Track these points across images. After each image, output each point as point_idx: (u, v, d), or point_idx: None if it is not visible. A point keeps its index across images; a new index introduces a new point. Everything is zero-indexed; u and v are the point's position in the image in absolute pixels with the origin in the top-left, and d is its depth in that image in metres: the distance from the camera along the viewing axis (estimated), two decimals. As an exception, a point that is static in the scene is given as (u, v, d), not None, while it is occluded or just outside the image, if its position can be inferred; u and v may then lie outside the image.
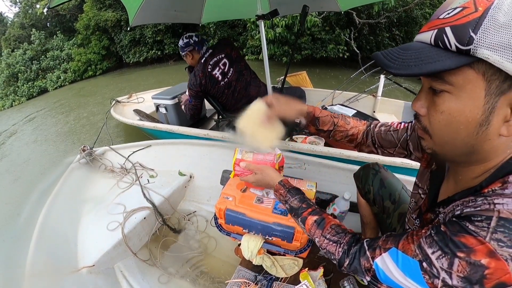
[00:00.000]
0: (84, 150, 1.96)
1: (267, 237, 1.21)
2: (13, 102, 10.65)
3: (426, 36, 0.47)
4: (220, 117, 3.02)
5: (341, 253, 0.69)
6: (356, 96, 3.13)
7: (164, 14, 2.37)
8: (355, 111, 2.49)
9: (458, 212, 0.50)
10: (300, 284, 1.11)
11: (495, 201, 0.45)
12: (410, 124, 0.86)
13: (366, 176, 1.14)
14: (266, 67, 1.97)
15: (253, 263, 1.29)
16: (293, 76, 3.80)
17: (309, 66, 7.67)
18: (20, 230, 1.61)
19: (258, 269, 1.32)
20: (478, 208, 0.46)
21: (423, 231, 0.53)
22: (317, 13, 6.47)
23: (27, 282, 1.18)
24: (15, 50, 12.26)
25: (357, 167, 1.40)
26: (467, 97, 0.45)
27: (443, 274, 0.46)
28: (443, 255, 0.46)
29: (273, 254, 1.32)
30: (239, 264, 1.38)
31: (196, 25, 10.76)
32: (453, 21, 0.42)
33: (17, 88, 11.19)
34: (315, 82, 3.66)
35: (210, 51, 2.16)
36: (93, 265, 1.35)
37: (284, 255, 1.31)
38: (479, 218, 0.44)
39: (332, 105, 2.77)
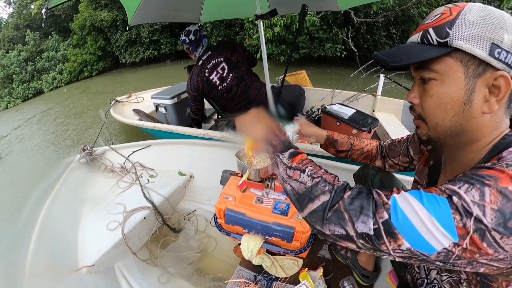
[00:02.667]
0: (84, 150, 1.96)
1: (267, 237, 1.21)
2: (8, 104, 10.63)
3: (415, 37, 0.59)
4: (220, 116, 3.02)
5: (341, 182, 0.59)
6: (356, 95, 3.13)
7: (163, 14, 2.37)
8: (355, 111, 2.49)
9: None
10: (300, 284, 1.11)
11: (494, 160, 0.51)
12: (411, 134, 0.98)
13: (366, 176, 1.15)
14: (265, 66, 1.97)
15: (253, 263, 1.29)
16: (293, 75, 3.80)
17: (307, 65, 7.67)
18: (20, 229, 1.60)
19: (258, 269, 1.32)
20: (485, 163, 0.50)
21: (441, 183, 0.52)
22: (315, 12, 6.47)
23: (27, 282, 1.18)
24: (9, 51, 12.26)
25: (356, 167, 1.40)
26: (451, 81, 0.54)
27: (475, 210, 0.42)
28: (471, 186, 0.44)
29: (273, 254, 1.33)
30: (239, 264, 1.39)
31: (193, 24, 10.81)
32: (434, 23, 0.55)
33: (12, 90, 11.17)
34: (313, 81, 3.65)
35: (209, 52, 2.14)
36: (93, 265, 1.35)
37: (284, 255, 1.31)
38: (490, 163, 0.49)
39: (332, 104, 2.77)
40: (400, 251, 0.48)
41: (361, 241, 0.50)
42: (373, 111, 3.14)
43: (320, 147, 1.18)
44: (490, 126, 0.56)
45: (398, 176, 1.19)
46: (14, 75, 11.37)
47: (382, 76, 3.01)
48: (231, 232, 1.32)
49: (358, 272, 1.27)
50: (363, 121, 2.31)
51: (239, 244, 1.29)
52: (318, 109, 2.88)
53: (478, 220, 0.42)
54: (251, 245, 1.23)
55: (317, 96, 3.26)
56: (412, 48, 0.57)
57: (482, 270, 0.46)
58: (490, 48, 0.50)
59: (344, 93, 3.22)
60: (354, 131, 2.28)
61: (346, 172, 1.63)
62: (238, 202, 1.24)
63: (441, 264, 0.47)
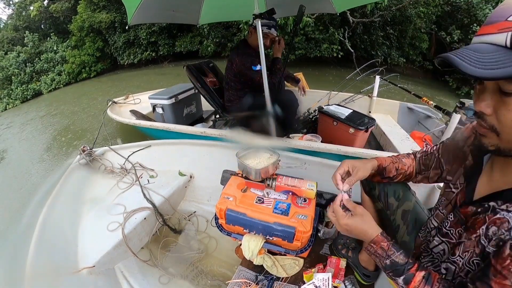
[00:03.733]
0: (84, 151, 1.95)
1: (267, 237, 1.22)
2: (7, 106, 10.49)
3: (498, 38, 0.47)
4: (218, 116, 3.03)
5: None
6: (352, 96, 3.15)
7: (162, 14, 2.37)
8: (351, 111, 2.51)
9: None
10: (308, 283, 1.10)
11: None
12: (440, 144, 0.94)
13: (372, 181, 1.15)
14: (263, 66, 1.98)
15: (254, 263, 1.30)
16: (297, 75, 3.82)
17: (303, 66, 7.71)
18: (20, 231, 1.60)
19: (259, 269, 1.33)
20: None
21: (508, 261, 0.52)
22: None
23: (27, 283, 1.17)
24: (8, 52, 12.13)
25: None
26: None
27: None
28: None
29: (273, 254, 1.33)
30: (239, 264, 1.39)
31: (191, 25, 10.72)
32: None
33: (11, 91, 11.04)
34: (309, 82, 3.67)
35: None
36: (94, 266, 1.34)
37: (285, 255, 1.32)
38: None
39: (328, 105, 2.79)
40: None
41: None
42: (369, 112, 3.17)
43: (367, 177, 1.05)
44: None
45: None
46: (13, 77, 11.26)
47: (377, 78, 3.04)
48: (231, 232, 1.32)
49: (359, 271, 1.28)
50: (360, 121, 2.34)
51: (241, 245, 1.30)
52: (315, 110, 2.90)
53: None
54: (252, 245, 1.24)
55: (313, 97, 3.28)
56: (501, 55, 0.46)
57: None
58: None
59: (340, 95, 3.24)
60: (351, 130, 2.31)
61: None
62: (239, 202, 1.25)
63: None
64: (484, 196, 0.65)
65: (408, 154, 1.07)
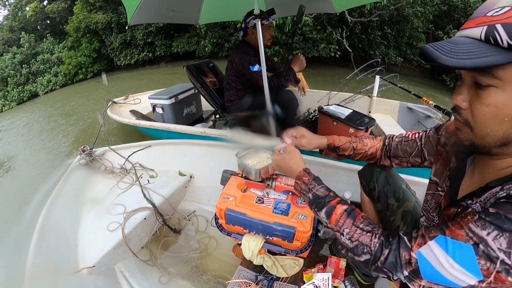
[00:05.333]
0: (84, 151, 1.95)
1: (267, 237, 1.22)
2: (3, 107, 10.48)
3: (475, 32, 0.49)
4: (218, 116, 3.03)
5: (377, 244, 0.64)
6: (352, 96, 3.15)
7: (162, 14, 2.37)
8: (351, 111, 2.51)
9: (504, 194, 0.51)
10: (307, 283, 1.10)
11: None
12: (423, 133, 0.92)
13: (371, 173, 1.15)
14: (263, 67, 1.98)
15: (254, 263, 1.30)
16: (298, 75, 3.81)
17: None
18: (20, 231, 1.60)
19: (259, 269, 1.33)
20: None
21: (470, 217, 0.52)
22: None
23: (27, 283, 1.17)
24: (4, 54, 12.12)
25: (357, 167, 1.42)
26: None
27: (501, 255, 0.44)
28: (501, 234, 0.45)
29: (273, 254, 1.34)
30: (239, 264, 1.39)
31: (188, 25, 10.69)
32: (504, 19, 0.45)
33: (6, 93, 11.05)
34: (308, 82, 3.67)
35: None
36: (94, 266, 1.34)
37: (285, 255, 1.32)
38: None
39: (328, 105, 2.79)
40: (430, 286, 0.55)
41: (399, 282, 0.62)
42: (369, 112, 3.18)
43: (320, 152, 1.15)
44: None
45: (403, 176, 1.21)
46: (9, 78, 11.24)
47: (377, 78, 3.04)
48: (231, 232, 1.32)
49: (359, 271, 1.28)
50: (360, 121, 2.34)
51: (239, 244, 1.30)
52: (315, 110, 2.90)
53: (503, 262, 0.45)
54: (252, 245, 1.24)
55: (313, 97, 3.28)
56: (474, 47, 0.48)
57: None
58: None
59: (340, 95, 3.24)
60: (351, 130, 2.31)
61: (346, 171, 1.64)
62: (239, 202, 1.25)
63: None
64: (463, 196, 0.66)
65: (377, 136, 1.08)
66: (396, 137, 1.02)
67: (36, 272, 1.23)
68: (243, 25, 2.32)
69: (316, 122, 2.79)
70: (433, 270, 0.52)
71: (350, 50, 7.21)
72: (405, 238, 0.60)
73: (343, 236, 0.71)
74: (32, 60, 11.75)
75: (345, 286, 1.20)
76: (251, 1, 1.84)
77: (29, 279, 1.19)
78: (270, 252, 1.33)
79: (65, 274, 1.28)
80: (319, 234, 1.47)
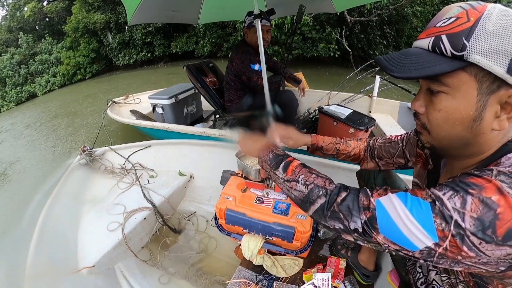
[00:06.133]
0: (84, 151, 1.95)
1: (267, 237, 1.22)
2: (1, 108, 10.45)
3: (424, 42, 0.53)
4: (217, 116, 3.03)
5: (333, 187, 0.63)
6: (352, 96, 3.15)
7: (162, 14, 2.37)
8: (351, 111, 2.51)
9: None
10: (307, 284, 1.10)
11: (491, 166, 0.50)
12: (405, 135, 0.94)
13: (369, 174, 1.16)
14: (263, 67, 1.97)
15: (254, 263, 1.30)
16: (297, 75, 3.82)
17: (300, 66, 7.69)
18: (20, 231, 1.60)
19: (259, 269, 1.33)
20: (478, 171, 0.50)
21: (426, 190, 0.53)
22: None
23: (27, 283, 1.17)
24: (2, 54, 12.05)
25: (357, 167, 1.42)
26: (462, 96, 0.51)
27: (455, 216, 0.45)
28: (455, 193, 0.46)
29: (273, 254, 1.34)
30: (239, 264, 1.39)
31: (187, 25, 10.66)
32: (448, 29, 0.49)
33: (5, 94, 11.00)
34: (307, 82, 3.67)
35: None
36: (94, 266, 1.34)
37: (285, 255, 1.32)
38: (480, 171, 0.49)
39: (328, 105, 2.79)
40: (387, 246, 0.53)
41: (355, 234, 0.57)
42: (369, 112, 3.17)
43: (307, 150, 1.17)
44: (497, 139, 0.54)
45: (402, 176, 1.21)
46: (7, 79, 11.19)
47: (378, 78, 3.04)
48: (231, 232, 1.32)
49: (359, 271, 1.28)
50: (360, 121, 2.34)
51: (240, 245, 1.30)
52: (315, 110, 2.90)
53: (457, 224, 0.44)
54: (251, 245, 1.24)
55: (313, 97, 3.28)
56: (421, 58, 0.52)
57: (472, 270, 0.48)
58: (509, 64, 0.45)
59: (340, 95, 3.24)
60: (351, 130, 2.31)
61: (345, 171, 1.64)
62: (239, 202, 1.25)
63: (427, 261, 0.50)
64: None
65: (361, 138, 1.10)
66: (380, 139, 1.04)
67: (36, 272, 1.23)
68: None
69: (316, 122, 2.79)
70: (391, 222, 0.51)
71: (350, 50, 7.19)
72: (366, 189, 0.59)
73: (299, 183, 0.70)
74: (31, 60, 11.72)
75: (345, 286, 1.20)
76: (252, 1, 1.84)
77: (29, 279, 1.19)
78: (269, 252, 1.33)
79: (65, 274, 1.29)
80: (319, 234, 1.48)
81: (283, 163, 0.78)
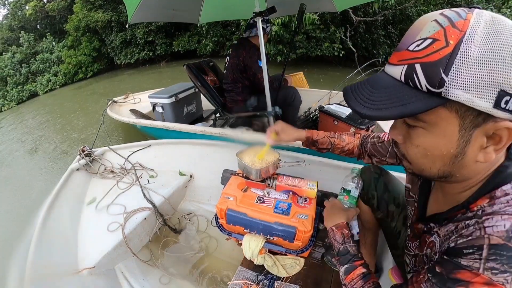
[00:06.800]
0: (83, 151, 1.94)
1: (268, 236, 1.21)
2: (2, 107, 10.44)
3: (396, 71, 0.45)
4: (218, 115, 3.02)
5: None
6: (353, 95, 3.13)
7: (163, 13, 2.36)
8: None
9: (453, 245, 0.50)
10: None
11: (485, 224, 0.46)
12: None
13: (368, 181, 1.13)
14: (264, 66, 1.97)
15: (255, 263, 1.29)
16: (290, 76, 3.80)
17: (304, 65, 7.67)
18: (20, 231, 1.59)
19: (259, 269, 1.33)
20: (470, 238, 0.47)
21: (421, 276, 0.54)
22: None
23: (27, 284, 1.17)
24: (3, 53, 12.05)
25: (357, 166, 1.41)
26: (441, 133, 0.45)
27: None
28: None
29: (274, 253, 1.33)
30: (240, 264, 1.39)
31: (189, 24, 10.68)
32: (423, 56, 0.41)
33: (6, 93, 10.99)
34: (311, 82, 3.67)
35: None
36: (94, 267, 1.34)
37: (286, 255, 1.32)
38: (470, 251, 0.45)
39: (329, 104, 2.78)
40: None
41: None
42: (371, 111, 3.16)
43: (302, 144, 1.21)
44: (484, 168, 0.50)
45: (397, 174, 1.20)
46: (8, 78, 11.18)
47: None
48: (232, 232, 1.32)
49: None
50: (361, 120, 2.33)
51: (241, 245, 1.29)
52: (315, 110, 2.89)
53: None
54: (252, 245, 1.23)
55: (314, 97, 3.27)
56: (393, 93, 0.44)
57: None
58: (497, 97, 0.38)
59: (341, 94, 3.20)
60: (352, 129, 2.30)
61: (347, 171, 1.60)
62: (239, 202, 1.25)
63: None
64: (428, 216, 0.67)
65: (355, 133, 1.14)
66: (371, 137, 1.05)
67: (36, 272, 1.22)
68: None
69: (317, 121, 2.78)
70: None
71: (354, 50, 7.17)
72: None
73: None
74: (32, 59, 11.69)
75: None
76: (252, 1, 1.84)
77: (29, 279, 1.19)
78: (270, 252, 1.32)
79: (65, 275, 1.28)
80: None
81: (348, 264, 0.81)
